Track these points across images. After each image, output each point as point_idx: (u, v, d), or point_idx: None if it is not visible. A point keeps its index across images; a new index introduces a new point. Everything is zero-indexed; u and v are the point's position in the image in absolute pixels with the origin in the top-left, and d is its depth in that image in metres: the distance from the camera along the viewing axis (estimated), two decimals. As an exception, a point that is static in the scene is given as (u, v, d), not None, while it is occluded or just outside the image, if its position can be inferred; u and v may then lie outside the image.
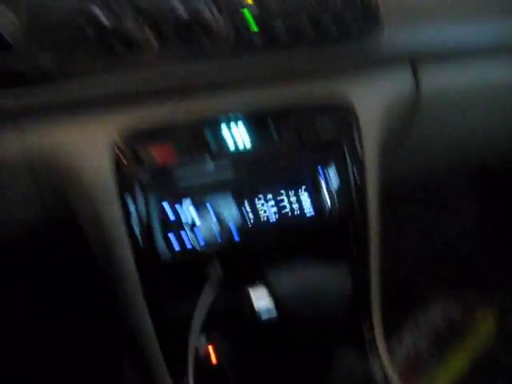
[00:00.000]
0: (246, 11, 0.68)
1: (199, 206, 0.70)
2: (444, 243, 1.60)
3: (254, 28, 0.68)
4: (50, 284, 1.16)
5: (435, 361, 1.32)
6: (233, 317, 0.72)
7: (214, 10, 0.66)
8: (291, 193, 0.73)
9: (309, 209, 0.74)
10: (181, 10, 0.65)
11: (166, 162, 0.68)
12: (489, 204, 1.70)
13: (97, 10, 0.62)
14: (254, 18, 0.68)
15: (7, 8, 0.59)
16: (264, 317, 0.69)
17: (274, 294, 0.69)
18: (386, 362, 0.81)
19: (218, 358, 0.71)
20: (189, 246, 0.69)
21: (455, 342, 1.37)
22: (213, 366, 0.71)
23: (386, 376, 0.80)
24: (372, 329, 0.82)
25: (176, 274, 0.71)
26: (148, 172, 0.68)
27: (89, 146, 0.67)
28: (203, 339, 0.72)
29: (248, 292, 0.70)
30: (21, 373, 1.12)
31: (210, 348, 0.71)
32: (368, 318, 0.82)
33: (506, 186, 1.66)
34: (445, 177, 1.43)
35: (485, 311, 1.46)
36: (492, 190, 1.69)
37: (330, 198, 0.75)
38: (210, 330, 0.71)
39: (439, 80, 0.85)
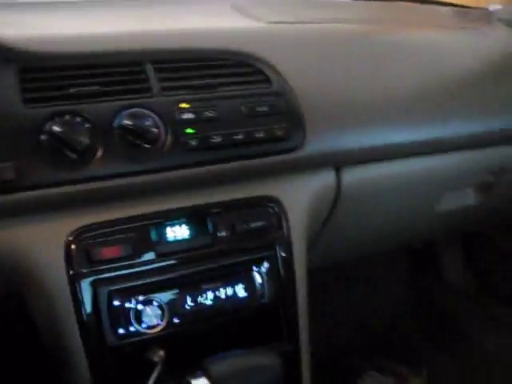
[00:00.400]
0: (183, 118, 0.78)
1: (143, 296, 0.76)
2: (376, 317, 1.70)
3: (190, 131, 0.77)
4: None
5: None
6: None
7: (155, 119, 0.76)
8: (226, 280, 0.81)
9: (243, 295, 0.82)
10: (126, 120, 0.75)
11: (113, 257, 0.75)
12: (417, 279, 1.81)
13: (54, 126, 0.71)
14: (190, 123, 0.78)
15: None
16: None
17: (211, 378, 0.74)
18: None
19: None
20: (132, 330, 0.75)
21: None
22: None
23: None
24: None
25: (123, 359, 0.76)
26: (96, 267, 0.75)
27: (43, 245, 0.73)
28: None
29: (188, 376, 0.75)
30: None
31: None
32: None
33: (430, 263, 1.78)
34: (371, 256, 1.53)
35: (415, 381, 1.54)
36: (418, 267, 1.81)
37: (261, 282, 0.83)
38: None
39: (359, 176, 0.96)
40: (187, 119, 0.78)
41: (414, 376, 1.55)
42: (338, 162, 0.93)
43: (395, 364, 1.58)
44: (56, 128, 0.71)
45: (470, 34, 1.19)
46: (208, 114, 0.79)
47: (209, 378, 0.74)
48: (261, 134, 0.81)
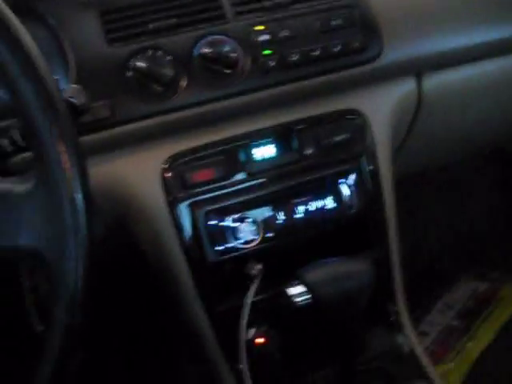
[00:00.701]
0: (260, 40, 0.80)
1: (237, 213, 0.81)
2: (466, 225, 1.68)
3: (267, 51, 0.79)
4: (116, 295, 1.28)
5: (466, 335, 1.41)
6: (275, 306, 0.83)
7: (233, 44, 0.78)
8: (315, 194, 0.84)
9: (332, 207, 0.85)
10: (205, 48, 0.78)
11: (206, 180, 0.80)
12: (509, 184, 1.77)
13: (138, 62, 0.75)
14: (267, 44, 0.80)
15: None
16: (301, 303, 0.78)
17: (307, 285, 0.79)
18: (411, 337, 0.91)
19: (265, 343, 0.81)
20: (230, 245, 0.80)
21: (483, 315, 1.46)
22: (261, 350, 0.82)
23: (412, 350, 0.90)
24: (397, 310, 0.92)
25: (223, 273, 0.82)
26: (191, 190, 0.80)
27: (141, 174, 0.79)
28: (252, 329, 0.82)
29: (285, 284, 0.80)
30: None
31: (259, 336, 0.81)
32: (393, 300, 0.92)
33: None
34: (458, 164, 1.51)
35: (509, 288, 1.54)
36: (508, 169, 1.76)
37: (350, 194, 0.85)
38: (257, 319, 0.81)
39: (439, 83, 0.94)
40: (264, 41, 0.80)
41: (509, 281, 1.54)
42: (417, 68, 0.91)
43: (489, 270, 1.58)
44: (140, 64, 0.75)
45: None
46: (283, 33, 0.80)
47: (304, 284, 0.78)
48: (338, 48, 0.82)
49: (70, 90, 0.68)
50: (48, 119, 0.51)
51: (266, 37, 0.79)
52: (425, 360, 0.91)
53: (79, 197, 0.52)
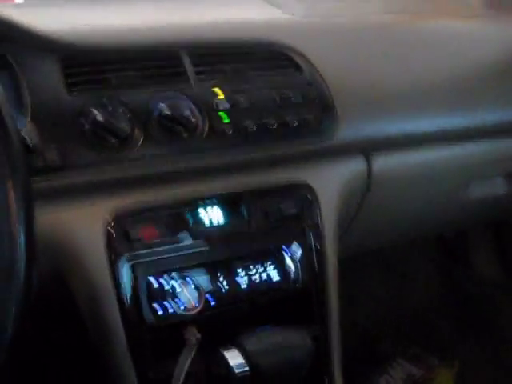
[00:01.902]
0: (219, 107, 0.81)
1: (180, 278, 0.79)
2: (407, 306, 1.71)
3: (226, 120, 0.81)
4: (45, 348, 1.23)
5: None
6: (211, 376, 0.81)
7: (193, 108, 0.79)
8: (260, 265, 0.84)
9: (276, 279, 0.85)
10: (165, 109, 0.78)
11: (151, 239, 0.78)
12: (448, 270, 1.81)
13: (95, 111, 0.75)
14: (226, 112, 0.81)
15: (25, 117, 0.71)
16: (238, 373, 0.76)
17: (247, 353, 0.77)
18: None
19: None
20: (171, 311, 0.78)
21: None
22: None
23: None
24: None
25: (160, 337, 0.79)
26: (134, 248, 0.78)
27: (84, 225, 0.77)
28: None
29: (223, 352, 0.78)
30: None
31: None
32: (330, 376, 0.91)
33: (461, 253, 1.78)
34: (402, 246, 1.55)
35: (445, 369, 1.55)
36: (450, 258, 1.81)
37: (294, 267, 0.86)
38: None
39: (388, 165, 0.97)
40: (223, 108, 0.81)
41: (444, 367, 1.55)
42: (368, 148, 0.95)
43: (425, 353, 1.59)
44: (98, 116, 0.75)
45: (498, 22, 1.19)
46: (244, 103, 0.82)
47: (242, 351, 0.77)
48: (294, 123, 0.84)
49: (24, 129, 0.67)
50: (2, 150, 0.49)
51: (225, 105, 0.81)
52: None
53: (21, 232, 0.50)
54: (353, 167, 0.94)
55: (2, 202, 0.50)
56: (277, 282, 0.85)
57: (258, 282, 0.83)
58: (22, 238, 0.50)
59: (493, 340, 1.63)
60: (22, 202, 0.50)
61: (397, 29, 1.07)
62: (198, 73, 0.83)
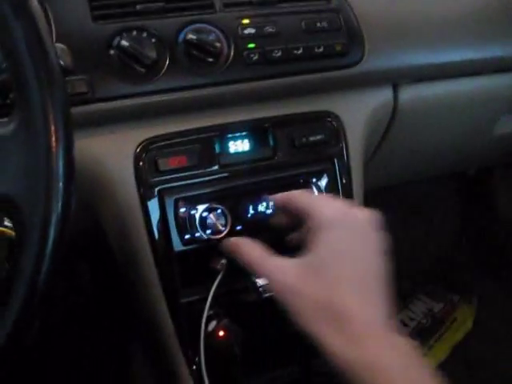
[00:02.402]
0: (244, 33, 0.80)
1: (207, 204, 0.80)
2: (427, 244, 1.72)
3: (251, 45, 0.80)
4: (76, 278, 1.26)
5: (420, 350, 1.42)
6: (238, 300, 0.82)
7: (218, 33, 0.79)
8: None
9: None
10: (190, 34, 0.77)
11: (179, 168, 0.79)
12: (470, 209, 1.81)
13: (120, 38, 0.75)
14: (251, 37, 0.80)
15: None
16: (266, 294, 0.75)
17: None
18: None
19: (225, 337, 0.80)
20: (197, 235, 0.78)
21: (437, 333, 1.48)
22: (221, 344, 0.81)
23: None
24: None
25: (188, 264, 0.81)
26: (163, 177, 0.79)
27: (114, 155, 0.77)
28: (213, 322, 0.81)
29: (250, 274, 0.79)
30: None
31: (219, 329, 0.80)
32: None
33: (484, 193, 1.78)
34: (425, 184, 1.54)
35: (465, 305, 1.57)
36: (472, 197, 1.81)
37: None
38: (219, 313, 0.81)
39: (415, 96, 0.96)
40: (249, 34, 0.80)
41: (464, 302, 1.57)
42: (396, 79, 0.93)
43: (446, 290, 1.60)
44: (124, 42, 0.74)
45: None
46: (269, 29, 0.81)
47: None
48: (320, 49, 0.82)
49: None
50: (38, 64, 0.49)
51: (251, 30, 0.80)
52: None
53: (61, 146, 0.50)
54: (379, 97, 0.93)
55: (40, 117, 0.50)
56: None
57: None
58: (61, 154, 0.50)
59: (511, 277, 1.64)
60: (61, 115, 0.50)
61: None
62: (225, 4, 0.82)
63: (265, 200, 0.79)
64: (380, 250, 0.61)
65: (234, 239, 0.73)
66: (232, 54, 0.79)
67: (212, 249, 0.81)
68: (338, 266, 0.58)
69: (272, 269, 0.62)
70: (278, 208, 0.75)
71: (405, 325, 1.49)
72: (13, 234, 0.54)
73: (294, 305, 0.58)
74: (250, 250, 0.67)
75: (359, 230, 0.62)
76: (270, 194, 0.80)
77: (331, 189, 0.87)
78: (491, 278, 1.66)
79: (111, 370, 1.29)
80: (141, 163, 0.78)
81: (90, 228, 0.87)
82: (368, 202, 1.34)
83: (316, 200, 0.67)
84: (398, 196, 1.63)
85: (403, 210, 1.68)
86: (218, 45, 0.77)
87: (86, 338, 1.30)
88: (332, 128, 0.87)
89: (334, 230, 0.61)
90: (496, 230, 1.75)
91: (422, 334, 1.47)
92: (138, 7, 0.78)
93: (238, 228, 0.81)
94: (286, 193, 0.71)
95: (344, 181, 0.88)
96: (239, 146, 0.83)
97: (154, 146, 0.79)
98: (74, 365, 1.28)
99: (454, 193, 1.80)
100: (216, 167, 0.81)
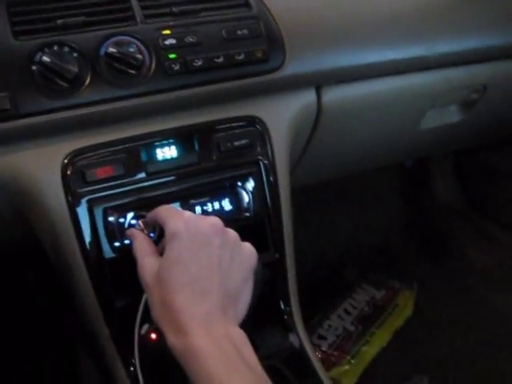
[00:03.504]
0: (165, 43, 0.82)
1: (135, 211, 0.83)
2: (369, 234, 1.77)
3: (172, 55, 0.82)
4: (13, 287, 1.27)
5: (361, 339, 1.48)
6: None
7: (139, 45, 0.81)
8: (212, 196, 0.88)
9: (229, 209, 0.89)
10: (111, 47, 0.79)
11: (106, 177, 0.81)
12: (409, 197, 1.87)
13: (41, 53, 0.76)
14: (172, 48, 0.82)
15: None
16: None
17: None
18: (302, 337, 0.96)
19: (158, 339, 0.82)
20: (126, 243, 0.82)
21: (379, 320, 1.53)
22: (154, 346, 0.83)
23: (303, 349, 0.95)
24: (291, 310, 0.97)
25: (121, 270, 0.83)
26: (90, 187, 0.81)
27: (42, 168, 0.79)
28: (146, 325, 0.83)
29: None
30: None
31: (151, 332, 0.83)
32: (287, 301, 0.96)
33: (422, 181, 1.84)
34: (364, 174, 1.59)
35: (406, 291, 1.63)
36: (411, 185, 1.87)
37: (247, 198, 0.90)
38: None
39: (338, 97, 1.00)
40: (170, 44, 0.82)
41: (405, 289, 1.63)
42: (318, 81, 0.97)
43: (387, 278, 1.66)
44: (46, 58, 0.76)
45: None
46: (189, 38, 0.83)
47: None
48: (241, 57, 0.85)
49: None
50: None
51: (172, 41, 0.82)
52: (314, 359, 0.95)
53: None
54: (302, 100, 0.96)
55: None
56: (230, 211, 0.89)
57: (211, 212, 0.87)
58: None
59: (451, 262, 1.71)
60: None
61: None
62: (144, 11, 0.84)
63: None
64: (220, 252, 0.70)
65: (130, 231, 0.81)
66: (153, 65, 0.81)
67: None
68: (174, 271, 0.67)
69: (142, 265, 0.72)
70: (150, 223, 0.81)
71: (348, 313, 1.53)
72: None
73: (150, 300, 0.70)
74: (138, 244, 0.76)
75: (199, 238, 0.69)
76: (196, 198, 0.83)
77: (257, 191, 0.90)
78: (431, 263, 1.73)
79: (59, 371, 1.30)
80: (68, 175, 0.80)
81: (29, 236, 0.88)
82: (310, 195, 1.39)
83: (168, 213, 0.75)
84: (340, 187, 1.68)
85: (345, 201, 1.73)
86: (139, 57, 0.79)
87: (33, 340, 1.32)
88: (256, 132, 0.90)
89: (177, 240, 0.69)
90: (435, 217, 1.82)
91: (365, 321, 1.52)
92: (59, 22, 0.79)
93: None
94: (154, 210, 0.78)
95: (270, 182, 0.91)
96: (166, 153, 0.85)
97: (81, 157, 0.81)
98: (21, 368, 1.29)
99: (395, 183, 1.86)
100: (143, 175, 0.84)
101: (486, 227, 1.75)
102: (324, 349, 1.44)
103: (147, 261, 0.72)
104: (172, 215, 0.73)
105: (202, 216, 0.74)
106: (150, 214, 0.79)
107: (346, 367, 1.41)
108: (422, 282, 1.66)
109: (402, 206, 1.86)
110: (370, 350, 1.46)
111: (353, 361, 1.42)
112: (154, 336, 0.81)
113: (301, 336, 0.95)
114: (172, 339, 0.65)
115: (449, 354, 1.46)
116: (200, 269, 0.68)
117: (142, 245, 0.76)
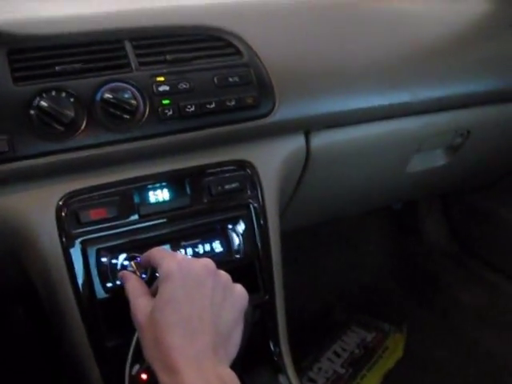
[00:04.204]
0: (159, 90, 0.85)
1: (128, 253, 0.85)
2: (358, 277, 1.79)
3: (165, 101, 0.85)
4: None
5: (352, 382, 1.48)
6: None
7: (134, 91, 0.84)
8: (204, 238, 0.90)
9: (220, 251, 0.91)
10: (107, 93, 0.82)
11: (100, 219, 0.83)
12: (398, 240, 1.89)
13: (39, 98, 0.79)
14: (166, 94, 0.85)
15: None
16: None
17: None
18: (292, 377, 0.97)
19: (148, 379, 0.83)
20: (119, 284, 0.83)
21: (370, 362, 1.53)
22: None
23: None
24: (280, 351, 0.98)
25: (113, 310, 0.84)
26: (84, 229, 0.83)
27: (36, 209, 0.81)
28: (137, 366, 0.84)
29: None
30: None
31: (142, 372, 0.83)
32: (276, 342, 0.97)
33: (411, 224, 1.86)
34: (353, 218, 1.62)
35: (396, 333, 1.64)
36: (400, 228, 1.89)
37: (237, 241, 0.92)
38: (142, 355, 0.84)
39: (326, 141, 1.03)
40: (163, 91, 0.85)
41: (394, 331, 1.64)
42: (307, 126, 1.00)
43: (377, 320, 1.67)
44: (43, 103, 0.78)
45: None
46: (182, 85, 0.86)
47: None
48: (232, 103, 0.88)
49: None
50: None
51: (165, 87, 0.85)
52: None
53: None
54: (291, 144, 0.99)
55: None
56: (221, 253, 0.91)
57: (203, 255, 0.89)
58: None
59: (440, 304, 1.72)
60: None
61: (333, 9, 1.11)
62: (139, 59, 0.87)
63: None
64: (212, 293, 0.72)
65: (123, 273, 0.82)
66: (147, 110, 0.84)
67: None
68: (167, 311, 0.69)
69: (135, 306, 0.73)
70: (143, 264, 0.83)
71: (338, 356, 1.54)
72: None
73: (142, 340, 0.71)
74: (131, 285, 0.78)
75: (192, 278, 0.71)
76: (187, 240, 0.85)
77: (248, 233, 0.92)
78: (421, 305, 1.74)
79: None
80: (63, 216, 0.82)
81: (21, 277, 0.89)
82: (300, 236, 1.40)
83: (161, 254, 0.77)
84: (330, 229, 1.70)
85: (334, 243, 1.75)
86: (133, 102, 0.82)
87: (21, 376, 1.31)
88: (247, 176, 0.93)
89: (170, 281, 0.71)
90: (424, 259, 1.84)
91: (355, 363, 1.52)
92: (57, 68, 0.82)
93: (158, 275, 0.85)
94: (147, 251, 0.80)
95: (260, 225, 0.93)
96: (159, 195, 0.88)
97: (75, 199, 0.83)
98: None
99: (384, 225, 1.88)
100: (136, 217, 0.86)
101: (475, 268, 1.77)
102: (314, 392, 1.44)
103: (140, 301, 0.73)
104: (165, 256, 0.75)
105: (195, 258, 0.76)
106: (144, 256, 0.81)
107: (336, 410, 1.41)
108: (412, 323, 1.67)
109: (392, 248, 1.88)
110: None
111: (343, 403, 1.42)
112: (144, 376, 0.82)
113: (290, 377, 0.96)
114: (164, 378, 0.66)
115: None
116: (192, 309, 0.69)
117: (134, 286, 0.77)
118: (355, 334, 1.62)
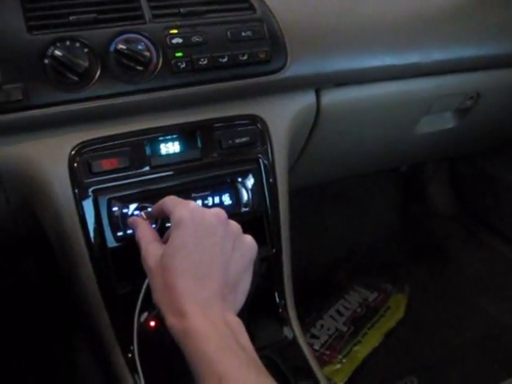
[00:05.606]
0: (172, 42, 0.86)
1: (139, 203, 0.86)
2: (363, 237, 1.80)
3: (178, 54, 0.85)
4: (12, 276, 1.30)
5: (353, 339, 1.51)
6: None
7: (147, 43, 0.84)
8: (213, 191, 0.91)
9: (229, 204, 0.92)
10: (120, 44, 0.82)
11: (111, 170, 0.84)
12: (404, 203, 1.91)
13: (54, 48, 0.79)
14: (179, 47, 0.86)
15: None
16: None
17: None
18: (296, 330, 0.99)
19: (157, 327, 0.85)
20: (130, 232, 0.85)
21: (371, 321, 1.56)
22: (154, 334, 0.86)
23: (296, 341, 0.98)
24: (285, 304, 1.00)
25: (123, 258, 0.86)
26: (96, 178, 0.84)
27: (49, 158, 0.83)
28: (145, 313, 0.86)
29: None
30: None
31: (151, 319, 0.85)
32: (282, 295, 1.00)
33: (417, 187, 1.87)
34: (361, 179, 1.63)
35: (398, 294, 1.66)
36: (406, 192, 1.90)
37: (246, 194, 0.93)
38: (151, 303, 0.86)
39: (337, 99, 1.03)
40: (176, 44, 0.85)
41: (397, 292, 1.66)
42: (318, 83, 1.00)
43: (380, 281, 1.69)
44: (58, 52, 0.79)
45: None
46: (196, 38, 0.87)
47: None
48: (244, 57, 0.89)
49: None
50: None
51: (178, 40, 0.85)
52: (307, 351, 0.98)
53: None
54: (302, 101, 0.99)
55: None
56: (230, 205, 0.92)
57: (212, 205, 0.90)
58: None
59: (444, 266, 1.74)
60: None
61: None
62: (153, 11, 0.87)
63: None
64: (222, 242, 0.72)
65: (133, 219, 0.83)
66: (160, 62, 0.84)
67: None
68: (178, 257, 0.70)
69: (146, 251, 0.74)
70: (156, 214, 0.83)
71: (340, 314, 1.57)
72: None
73: (152, 284, 0.72)
74: (141, 231, 0.79)
75: (203, 227, 0.72)
76: (197, 192, 0.87)
77: (257, 187, 0.93)
78: (424, 267, 1.76)
79: (57, 361, 1.33)
80: (75, 165, 0.83)
81: (33, 226, 0.91)
82: (306, 197, 1.42)
83: (174, 202, 0.77)
84: (336, 191, 1.71)
85: (340, 204, 1.76)
86: (147, 54, 0.83)
87: (31, 330, 1.34)
88: (257, 130, 0.94)
89: (182, 228, 0.72)
90: (428, 222, 1.85)
91: (357, 322, 1.55)
92: (72, 18, 0.82)
93: (168, 225, 0.86)
94: (160, 200, 0.81)
95: (269, 180, 0.95)
96: (170, 148, 0.89)
97: (88, 149, 0.84)
98: (19, 357, 1.32)
99: (390, 188, 1.89)
100: (147, 168, 0.87)
101: (478, 233, 1.78)
102: (316, 348, 1.47)
103: (151, 247, 0.75)
104: (178, 204, 0.76)
105: (206, 209, 0.77)
106: (157, 204, 0.81)
107: (338, 366, 1.44)
108: (414, 285, 1.69)
109: (397, 211, 1.89)
110: (362, 350, 1.48)
111: (344, 360, 1.45)
112: (152, 323, 0.85)
113: (294, 329, 0.98)
114: (171, 320, 0.68)
115: (439, 356, 1.49)
116: (202, 256, 0.70)
117: (145, 232, 0.78)
118: (358, 294, 1.64)
